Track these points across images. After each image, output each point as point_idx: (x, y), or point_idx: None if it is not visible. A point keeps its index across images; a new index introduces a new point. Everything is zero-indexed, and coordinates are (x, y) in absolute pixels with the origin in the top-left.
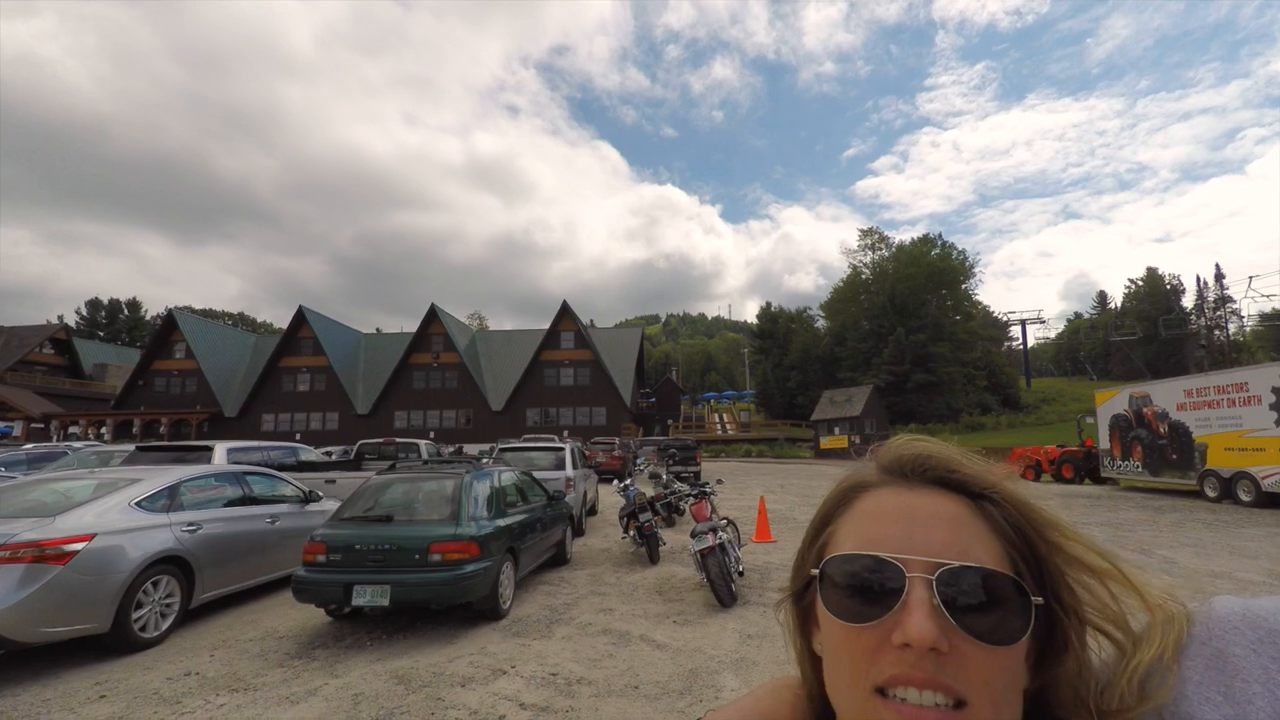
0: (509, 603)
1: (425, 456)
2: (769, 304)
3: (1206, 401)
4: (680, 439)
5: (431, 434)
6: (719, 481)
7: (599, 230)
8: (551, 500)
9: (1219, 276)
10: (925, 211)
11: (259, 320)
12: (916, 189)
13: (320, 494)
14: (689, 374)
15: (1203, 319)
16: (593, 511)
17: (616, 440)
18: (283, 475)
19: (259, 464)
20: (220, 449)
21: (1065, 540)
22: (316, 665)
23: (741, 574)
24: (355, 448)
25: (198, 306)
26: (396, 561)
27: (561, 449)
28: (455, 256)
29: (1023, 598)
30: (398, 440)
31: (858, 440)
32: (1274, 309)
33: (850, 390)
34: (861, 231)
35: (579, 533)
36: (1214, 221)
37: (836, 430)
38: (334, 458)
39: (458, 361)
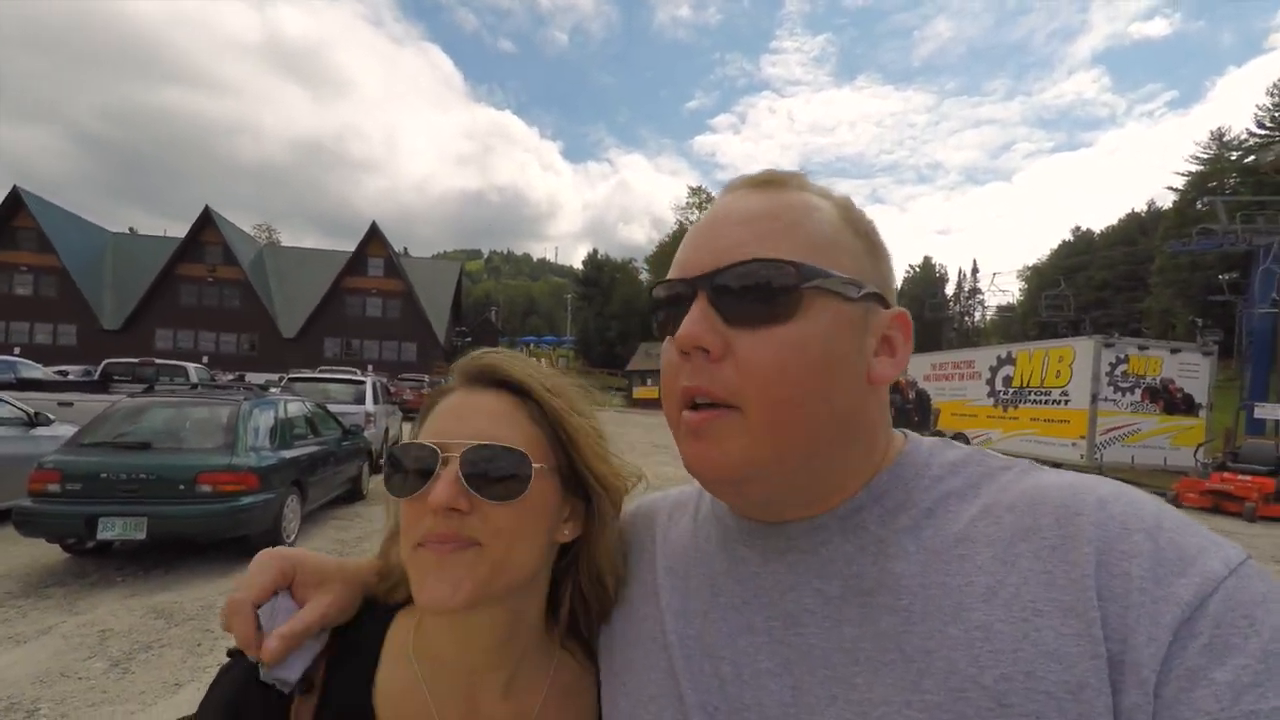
0: (294, 537)
1: (195, 381)
2: (596, 251)
3: (944, 375)
4: None
5: (205, 359)
6: None
7: (425, 149)
8: (348, 434)
9: (974, 270)
10: None
11: None
12: (750, 152)
13: (51, 417)
14: (510, 316)
15: (958, 306)
16: None
17: (426, 378)
18: None
19: None
20: None
21: (578, 432)
22: (50, 603)
23: None
24: (100, 367)
25: None
26: (156, 492)
27: (363, 382)
28: (245, 154)
29: (525, 466)
30: (158, 361)
31: None
32: (1007, 303)
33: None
34: (691, 189)
35: (378, 469)
36: (983, 221)
37: (649, 381)
38: (70, 378)
39: (241, 278)
